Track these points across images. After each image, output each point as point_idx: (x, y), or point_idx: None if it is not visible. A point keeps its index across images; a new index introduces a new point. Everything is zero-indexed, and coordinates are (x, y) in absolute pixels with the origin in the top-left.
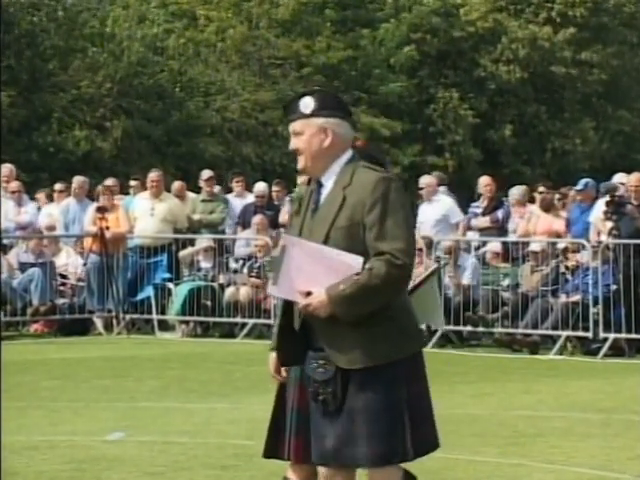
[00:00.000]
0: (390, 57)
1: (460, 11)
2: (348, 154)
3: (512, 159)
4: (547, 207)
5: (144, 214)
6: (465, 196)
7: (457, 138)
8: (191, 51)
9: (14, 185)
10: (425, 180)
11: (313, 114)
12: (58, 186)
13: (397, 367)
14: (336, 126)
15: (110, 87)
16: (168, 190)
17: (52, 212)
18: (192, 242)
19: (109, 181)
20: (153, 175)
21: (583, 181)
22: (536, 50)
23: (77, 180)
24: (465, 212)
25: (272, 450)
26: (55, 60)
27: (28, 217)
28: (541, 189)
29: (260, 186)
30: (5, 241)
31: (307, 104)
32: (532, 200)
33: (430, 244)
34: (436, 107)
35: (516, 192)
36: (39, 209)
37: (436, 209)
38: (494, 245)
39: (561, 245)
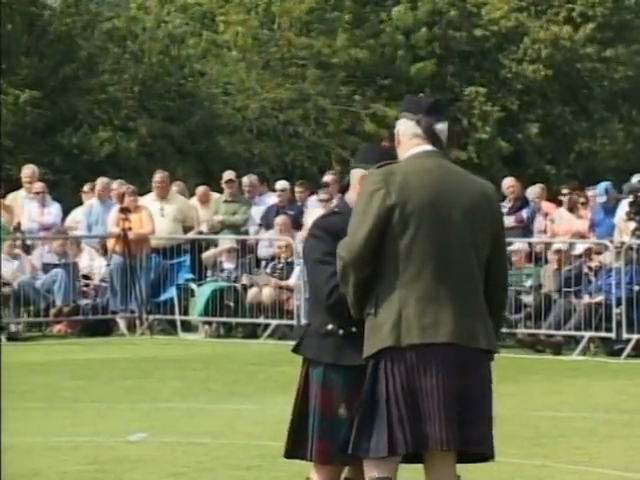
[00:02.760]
0: (409, 39)
1: (482, 10)
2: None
3: (537, 159)
4: (570, 208)
5: (154, 215)
6: None
7: (484, 136)
8: (211, 51)
9: (38, 186)
10: None
11: None
12: (86, 187)
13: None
14: None
15: (133, 89)
16: (192, 193)
17: (77, 212)
18: (213, 243)
19: (115, 184)
20: (158, 176)
21: (602, 186)
22: (559, 50)
23: (101, 181)
24: None
25: (293, 450)
26: (82, 63)
27: (52, 218)
28: (565, 190)
29: (281, 184)
30: (29, 242)
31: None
32: (553, 200)
33: None
34: (461, 105)
35: (532, 191)
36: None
37: None
38: (518, 245)
39: (584, 246)
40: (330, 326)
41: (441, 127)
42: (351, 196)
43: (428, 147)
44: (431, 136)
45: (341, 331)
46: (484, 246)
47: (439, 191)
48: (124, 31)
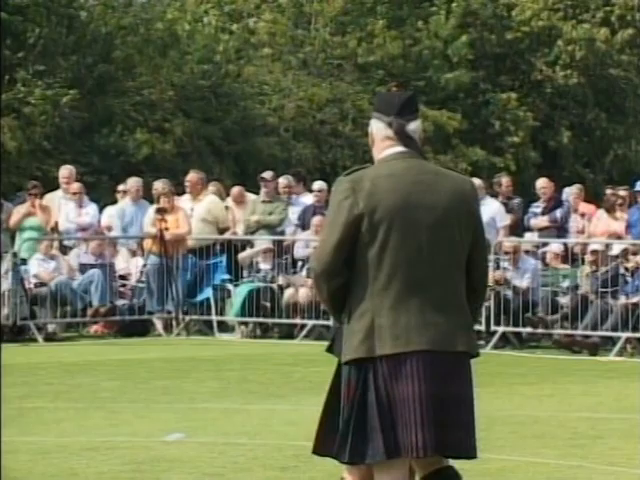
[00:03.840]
0: (446, 48)
1: (512, 12)
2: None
3: (571, 162)
4: (608, 208)
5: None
6: (523, 199)
7: (516, 140)
8: (246, 51)
9: (75, 187)
10: (475, 182)
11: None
12: (121, 187)
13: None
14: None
15: (169, 92)
16: (227, 194)
17: (111, 213)
18: (249, 243)
19: (160, 183)
20: (190, 176)
21: (638, 186)
22: (593, 52)
23: (133, 182)
24: (525, 213)
25: (322, 447)
26: (119, 64)
27: (89, 218)
28: (608, 191)
29: (318, 184)
30: (66, 242)
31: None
32: (591, 202)
33: (488, 246)
34: (494, 109)
35: (569, 191)
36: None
37: (483, 212)
38: (554, 246)
39: (620, 246)
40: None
41: (414, 127)
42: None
43: (400, 148)
44: (404, 138)
45: None
46: (462, 244)
47: (409, 193)
48: (164, 34)
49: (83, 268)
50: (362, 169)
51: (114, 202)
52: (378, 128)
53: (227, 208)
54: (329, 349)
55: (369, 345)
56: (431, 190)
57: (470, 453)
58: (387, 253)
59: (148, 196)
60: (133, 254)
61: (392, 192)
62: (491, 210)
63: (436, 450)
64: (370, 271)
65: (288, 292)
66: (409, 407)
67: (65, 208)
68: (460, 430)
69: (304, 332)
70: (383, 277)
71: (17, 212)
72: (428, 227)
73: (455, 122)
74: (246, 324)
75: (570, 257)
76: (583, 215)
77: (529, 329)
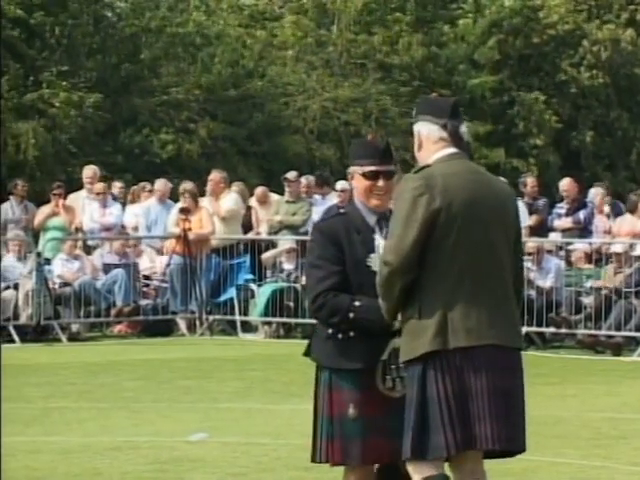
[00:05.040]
0: (473, 53)
1: (539, 14)
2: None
3: (593, 162)
4: (632, 209)
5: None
6: (548, 200)
7: (538, 142)
8: (270, 52)
9: (99, 186)
10: None
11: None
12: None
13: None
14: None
15: (195, 92)
16: (251, 194)
17: (137, 213)
18: (273, 243)
19: (188, 185)
20: (213, 175)
21: None
22: (619, 52)
23: (159, 182)
24: (549, 214)
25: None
26: (145, 64)
27: (113, 218)
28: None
29: (342, 184)
30: (90, 242)
31: None
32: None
33: None
34: (520, 109)
35: (595, 191)
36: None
37: None
38: (579, 245)
39: None
40: (330, 330)
41: (464, 129)
42: (355, 196)
43: (453, 150)
44: (457, 139)
45: (340, 335)
46: (510, 243)
47: (475, 191)
48: (192, 36)
49: (107, 268)
50: (426, 167)
51: (125, 203)
52: (431, 130)
53: (250, 208)
54: (306, 352)
55: (443, 338)
56: (490, 190)
57: (524, 448)
58: (460, 249)
59: (171, 197)
60: (159, 252)
61: (462, 190)
62: None
63: (507, 443)
64: (443, 266)
65: None
66: (483, 400)
67: (89, 208)
68: (524, 422)
69: None
70: (456, 272)
71: (41, 212)
72: (492, 225)
73: (480, 128)
74: (269, 324)
75: (593, 257)
76: (608, 216)
77: (552, 329)
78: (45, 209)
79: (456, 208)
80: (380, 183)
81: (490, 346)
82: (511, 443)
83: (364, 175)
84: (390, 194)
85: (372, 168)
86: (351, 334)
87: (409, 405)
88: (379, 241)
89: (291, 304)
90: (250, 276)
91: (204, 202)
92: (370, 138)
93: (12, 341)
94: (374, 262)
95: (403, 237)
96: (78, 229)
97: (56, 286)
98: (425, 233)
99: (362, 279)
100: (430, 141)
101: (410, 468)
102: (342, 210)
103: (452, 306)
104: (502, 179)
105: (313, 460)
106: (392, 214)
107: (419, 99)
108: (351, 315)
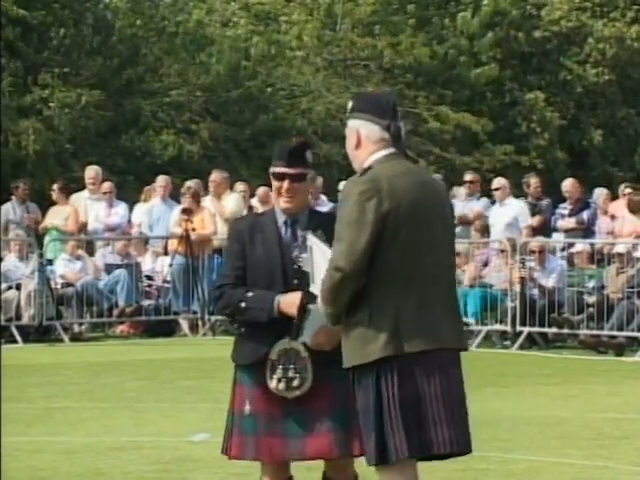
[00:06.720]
0: (472, 44)
1: (542, 12)
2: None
3: (599, 161)
4: (634, 209)
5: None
6: (553, 199)
7: (542, 142)
8: (274, 53)
9: (106, 186)
10: (500, 182)
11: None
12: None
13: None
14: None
15: (197, 94)
16: (253, 194)
17: (142, 211)
18: None
19: (192, 182)
20: (214, 176)
21: None
22: (624, 50)
23: (161, 179)
24: (553, 214)
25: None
26: (147, 66)
27: (118, 218)
28: (627, 190)
29: (343, 185)
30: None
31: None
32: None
33: (514, 246)
34: (521, 109)
35: (599, 192)
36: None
37: (507, 212)
38: (581, 246)
39: None
40: (235, 326)
41: (404, 129)
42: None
43: (392, 150)
44: (396, 139)
45: (242, 330)
46: (450, 245)
47: (419, 193)
48: (193, 36)
49: (109, 268)
50: (369, 169)
51: (135, 202)
52: (372, 130)
53: (252, 208)
54: (233, 358)
55: (397, 343)
56: (430, 191)
57: (471, 449)
58: (408, 251)
59: (174, 197)
60: (164, 253)
61: (407, 191)
62: (514, 210)
63: (462, 446)
64: (393, 269)
65: None
66: (437, 404)
67: (95, 208)
68: (468, 426)
69: None
70: (406, 275)
71: (51, 213)
72: (435, 225)
73: (479, 125)
74: None
75: (595, 258)
76: (613, 217)
77: (555, 329)
78: (51, 210)
79: (403, 210)
80: (285, 185)
81: (441, 349)
82: (465, 446)
83: (273, 175)
84: (302, 197)
85: (277, 170)
86: (242, 330)
87: (366, 411)
88: (311, 242)
89: None
90: None
91: (206, 202)
92: (293, 140)
93: (14, 341)
94: (304, 262)
95: (354, 242)
96: (81, 230)
97: (58, 286)
98: (376, 237)
99: (257, 276)
100: (370, 141)
101: (380, 475)
102: (258, 212)
103: (403, 310)
104: (437, 175)
105: (222, 453)
106: (337, 218)
107: (356, 95)
108: (242, 304)
